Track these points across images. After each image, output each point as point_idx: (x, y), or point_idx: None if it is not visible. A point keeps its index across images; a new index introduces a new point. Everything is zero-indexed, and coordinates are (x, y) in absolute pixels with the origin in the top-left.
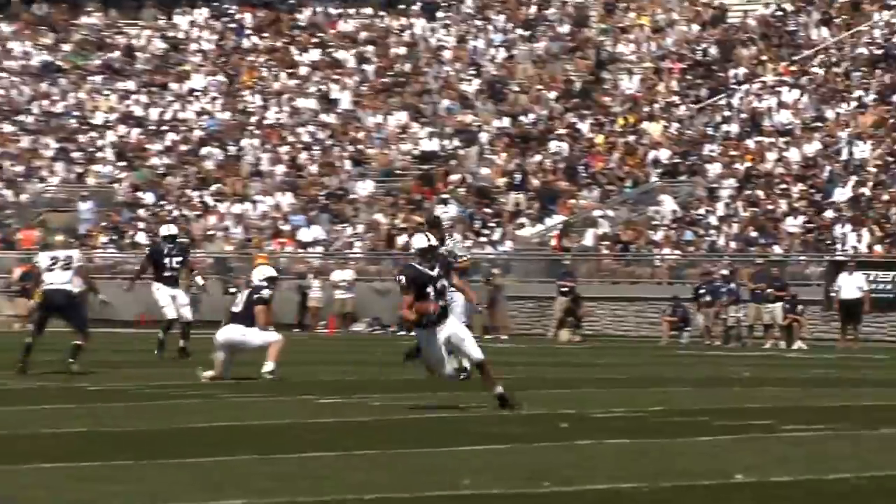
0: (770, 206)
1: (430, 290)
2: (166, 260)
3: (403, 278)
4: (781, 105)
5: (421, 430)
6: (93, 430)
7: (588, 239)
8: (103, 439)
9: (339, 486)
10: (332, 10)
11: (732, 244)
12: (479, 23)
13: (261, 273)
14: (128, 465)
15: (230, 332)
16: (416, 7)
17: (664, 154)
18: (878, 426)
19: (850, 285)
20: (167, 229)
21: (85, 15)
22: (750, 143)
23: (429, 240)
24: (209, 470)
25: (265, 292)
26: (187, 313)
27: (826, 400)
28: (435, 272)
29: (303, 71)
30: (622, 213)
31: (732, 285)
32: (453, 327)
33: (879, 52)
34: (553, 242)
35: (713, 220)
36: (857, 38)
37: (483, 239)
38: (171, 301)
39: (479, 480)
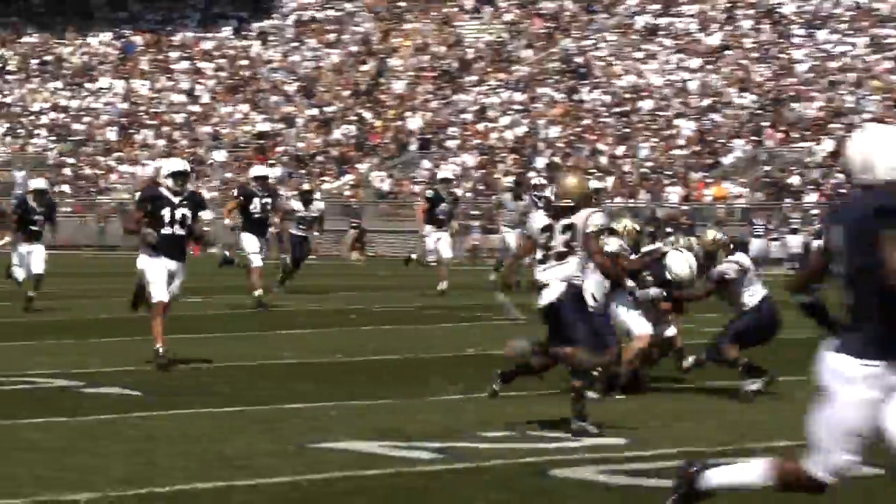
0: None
1: None
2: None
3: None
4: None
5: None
6: None
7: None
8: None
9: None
10: (197, 34)
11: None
12: (296, 43)
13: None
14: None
15: None
16: (253, 33)
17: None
18: None
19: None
20: (258, 170)
21: (27, 35)
22: (480, 126)
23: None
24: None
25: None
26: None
27: None
28: None
29: (177, 76)
30: (394, 172)
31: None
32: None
33: (565, 65)
34: (347, 192)
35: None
36: (549, 57)
37: None
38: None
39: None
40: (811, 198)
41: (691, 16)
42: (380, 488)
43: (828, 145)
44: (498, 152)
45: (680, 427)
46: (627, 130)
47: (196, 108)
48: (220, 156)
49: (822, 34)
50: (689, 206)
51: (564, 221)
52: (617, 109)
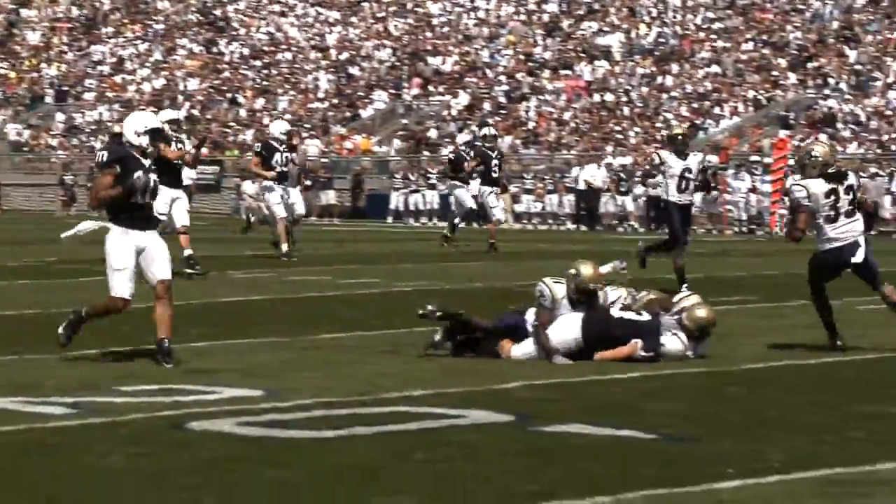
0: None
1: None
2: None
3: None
4: (140, 54)
5: None
6: None
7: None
8: None
9: None
10: None
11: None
12: None
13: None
14: None
15: None
16: None
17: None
18: None
19: None
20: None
21: None
22: (118, 78)
23: None
24: None
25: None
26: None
27: None
28: None
29: None
30: (30, 124)
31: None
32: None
33: (203, 18)
34: None
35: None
36: (187, 9)
37: None
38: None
39: None
40: (447, 151)
41: None
42: (12, 445)
43: (463, 99)
44: (136, 105)
45: (316, 378)
46: (266, 83)
47: None
48: None
49: None
50: (329, 160)
51: (847, 183)
52: (256, 62)
